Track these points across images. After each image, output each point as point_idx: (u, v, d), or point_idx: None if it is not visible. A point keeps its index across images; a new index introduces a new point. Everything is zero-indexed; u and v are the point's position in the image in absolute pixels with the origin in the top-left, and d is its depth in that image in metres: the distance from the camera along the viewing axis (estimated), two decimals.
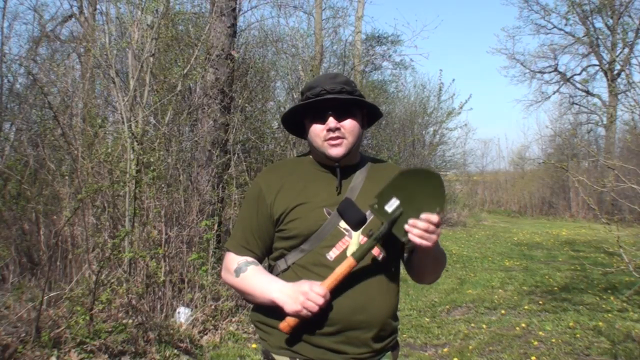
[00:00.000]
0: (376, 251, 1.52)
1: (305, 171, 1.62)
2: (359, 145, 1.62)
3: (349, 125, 1.54)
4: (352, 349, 1.49)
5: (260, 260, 1.64)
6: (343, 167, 1.58)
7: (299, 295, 1.42)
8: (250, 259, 1.60)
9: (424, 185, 1.44)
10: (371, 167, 1.66)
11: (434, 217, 1.39)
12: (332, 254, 1.50)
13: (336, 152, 1.54)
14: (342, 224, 1.51)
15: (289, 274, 1.55)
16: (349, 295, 1.47)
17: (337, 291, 1.46)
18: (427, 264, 1.60)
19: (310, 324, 1.47)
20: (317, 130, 1.55)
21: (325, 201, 1.55)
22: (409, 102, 15.49)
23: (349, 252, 1.50)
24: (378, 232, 1.45)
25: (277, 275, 1.59)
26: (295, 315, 1.43)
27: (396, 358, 1.62)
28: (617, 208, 11.86)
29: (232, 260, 1.62)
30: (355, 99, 1.54)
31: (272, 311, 1.52)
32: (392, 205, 1.44)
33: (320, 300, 1.40)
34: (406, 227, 1.40)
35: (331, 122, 1.52)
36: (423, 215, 1.40)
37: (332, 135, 1.53)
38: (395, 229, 1.44)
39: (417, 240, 1.41)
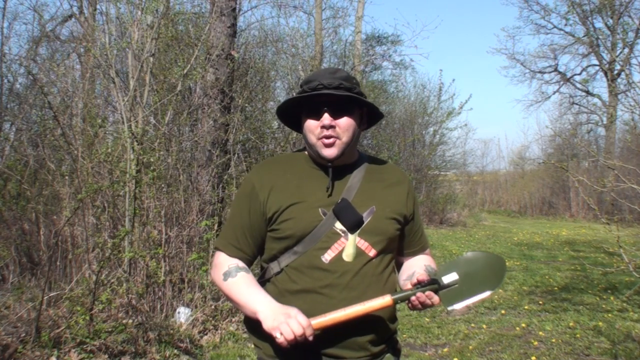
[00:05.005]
0: (369, 250, 1.48)
1: (300, 168, 1.55)
2: (356, 144, 1.55)
3: (345, 123, 1.46)
4: (350, 353, 1.45)
5: (250, 262, 1.58)
6: (339, 167, 1.52)
7: (280, 316, 1.34)
8: (241, 264, 1.54)
9: (487, 268, 1.51)
10: (369, 167, 1.59)
11: (436, 300, 1.43)
12: (327, 257, 1.45)
13: (329, 153, 1.46)
14: (338, 225, 1.45)
15: (282, 277, 1.50)
16: (344, 298, 1.43)
17: (334, 295, 1.43)
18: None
19: None
20: (312, 126, 1.47)
21: (320, 201, 1.48)
22: (409, 102, 15.50)
23: (344, 255, 1.45)
24: (423, 285, 1.43)
25: (269, 278, 1.54)
26: (270, 334, 1.35)
27: None
28: (617, 208, 11.85)
29: (223, 262, 1.55)
30: (351, 95, 1.45)
31: None
32: (450, 277, 1.47)
33: (299, 330, 1.31)
34: (412, 298, 1.42)
35: (326, 118, 1.45)
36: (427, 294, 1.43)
37: (326, 134, 1.45)
38: (441, 294, 1.45)
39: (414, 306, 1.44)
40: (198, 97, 6.03)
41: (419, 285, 1.41)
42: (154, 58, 5.06)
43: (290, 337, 1.31)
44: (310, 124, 1.48)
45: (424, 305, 1.42)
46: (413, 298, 1.41)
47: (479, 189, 23.65)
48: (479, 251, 1.57)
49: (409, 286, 1.45)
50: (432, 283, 1.42)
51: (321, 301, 1.43)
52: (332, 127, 1.45)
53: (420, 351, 4.31)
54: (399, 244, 1.62)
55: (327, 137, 1.45)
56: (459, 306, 1.46)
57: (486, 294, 1.48)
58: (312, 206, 1.48)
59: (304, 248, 1.46)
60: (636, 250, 5.20)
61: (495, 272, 1.52)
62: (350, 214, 1.45)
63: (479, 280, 1.48)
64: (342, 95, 1.44)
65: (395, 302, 1.41)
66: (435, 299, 1.42)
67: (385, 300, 1.40)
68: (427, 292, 1.41)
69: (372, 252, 1.48)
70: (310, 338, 1.33)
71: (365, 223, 1.47)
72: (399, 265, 1.68)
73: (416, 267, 1.58)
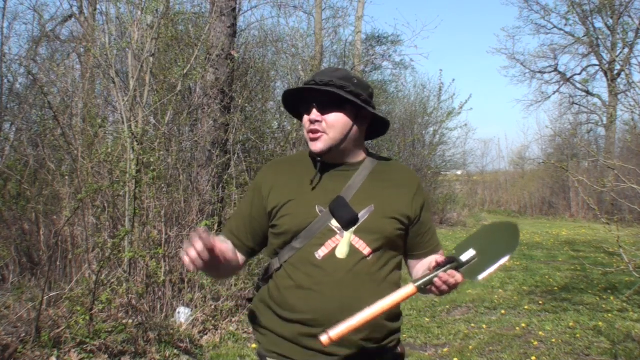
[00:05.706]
0: (363, 248, 1.48)
1: (302, 167, 1.59)
2: (355, 144, 1.57)
3: (332, 119, 1.49)
4: (342, 351, 1.44)
5: (241, 249, 1.62)
6: (339, 165, 1.56)
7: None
8: (227, 240, 1.60)
9: (500, 236, 1.51)
10: (376, 168, 1.60)
11: (459, 277, 1.39)
12: (321, 253, 1.46)
13: (315, 147, 1.51)
14: (334, 223, 1.47)
15: (281, 273, 1.53)
16: (335, 296, 1.44)
17: (325, 292, 1.44)
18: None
19: (299, 325, 1.46)
20: (304, 121, 1.55)
21: (318, 198, 1.51)
22: (409, 102, 15.48)
23: (337, 252, 1.46)
24: (440, 268, 1.40)
25: (271, 275, 1.57)
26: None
27: None
28: (617, 208, 11.84)
29: None
30: (330, 92, 1.46)
31: (266, 314, 1.54)
32: (467, 255, 1.44)
33: (194, 237, 1.30)
34: (435, 280, 1.39)
35: (313, 113, 1.50)
36: (450, 272, 1.39)
37: (312, 128, 1.50)
38: (462, 271, 1.43)
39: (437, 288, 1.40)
40: (198, 97, 6.03)
41: (439, 266, 1.40)
42: (154, 58, 5.06)
43: (188, 247, 1.31)
44: (304, 119, 1.55)
45: (449, 286, 1.38)
46: (436, 280, 1.38)
47: (479, 189, 23.65)
48: (489, 223, 1.57)
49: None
50: (451, 262, 1.40)
51: (315, 298, 1.44)
52: (318, 121, 1.50)
53: (420, 351, 4.31)
54: (405, 245, 1.61)
55: (314, 132, 1.50)
56: (482, 276, 1.44)
57: (506, 258, 1.46)
58: (309, 203, 1.51)
59: (300, 244, 1.49)
60: (636, 250, 5.21)
61: (510, 236, 1.52)
62: (345, 212, 1.46)
63: (497, 248, 1.47)
64: (330, 92, 1.47)
65: (419, 288, 1.38)
66: (458, 276, 1.39)
67: (409, 289, 1.37)
68: (449, 271, 1.38)
69: (366, 251, 1.48)
70: (208, 245, 1.31)
71: (361, 221, 1.48)
72: (411, 269, 1.67)
73: (431, 261, 1.57)
